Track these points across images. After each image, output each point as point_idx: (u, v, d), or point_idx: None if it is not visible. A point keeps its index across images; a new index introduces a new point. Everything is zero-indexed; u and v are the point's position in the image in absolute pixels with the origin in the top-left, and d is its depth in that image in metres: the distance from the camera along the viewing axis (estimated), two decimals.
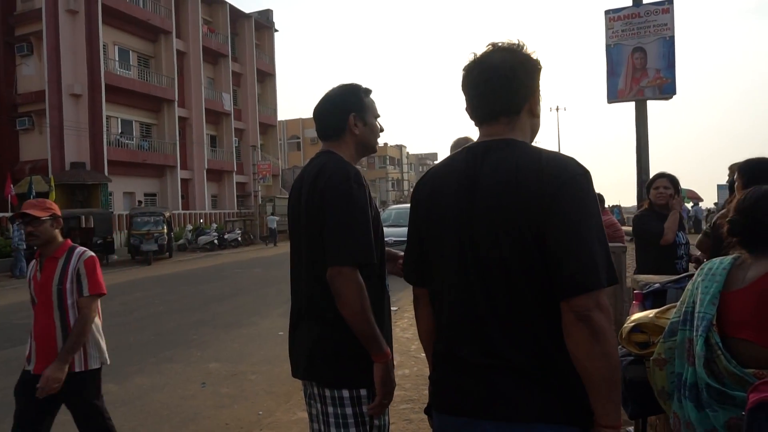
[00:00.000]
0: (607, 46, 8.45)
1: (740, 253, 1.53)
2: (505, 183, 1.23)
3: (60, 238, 2.69)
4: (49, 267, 2.63)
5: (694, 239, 3.91)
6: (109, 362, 2.76)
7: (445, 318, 1.35)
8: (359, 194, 1.64)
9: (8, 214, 19.24)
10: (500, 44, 1.36)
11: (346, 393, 1.65)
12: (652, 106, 8.48)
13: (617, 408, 1.18)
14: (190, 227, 25.55)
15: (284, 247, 15.77)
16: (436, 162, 3.67)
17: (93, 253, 2.74)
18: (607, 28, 8.41)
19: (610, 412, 1.16)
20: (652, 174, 4.72)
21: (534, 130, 1.40)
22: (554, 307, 1.19)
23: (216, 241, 24.09)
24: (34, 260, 2.76)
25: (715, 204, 22.70)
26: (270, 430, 3.91)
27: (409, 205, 1.74)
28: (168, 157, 28.78)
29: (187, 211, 28.90)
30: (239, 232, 26.35)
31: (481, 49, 1.38)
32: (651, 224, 3.81)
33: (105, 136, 24.76)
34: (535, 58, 1.35)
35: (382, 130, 1.91)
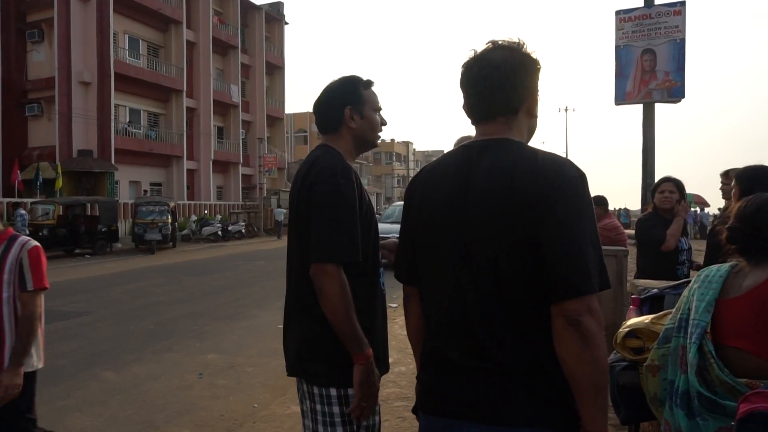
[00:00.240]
0: (617, 47, 8.39)
1: (738, 261, 1.50)
2: (500, 184, 1.21)
3: (1, 227, 2.43)
4: None
5: (698, 245, 3.87)
6: (42, 366, 2.47)
7: (435, 318, 1.33)
8: (347, 190, 1.60)
9: (15, 200, 19.36)
10: (500, 42, 1.33)
11: (333, 392, 1.63)
12: (665, 109, 8.44)
13: (604, 414, 1.16)
14: (194, 218, 25.63)
15: None
16: None
17: (38, 243, 2.46)
18: (618, 29, 8.35)
19: (597, 418, 1.15)
20: (657, 178, 4.68)
21: (531, 130, 1.39)
22: (545, 311, 1.17)
23: (220, 233, 24.15)
24: None
25: (720, 209, 22.53)
26: (264, 423, 3.92)
27: None
28: (175, 147, 28.90)
29: (192, 202, 29.03)
30: (243, 224, 26.39)
31: (482, 46, 1.35)
32: (654, 229, 3.76)
33: (113, 125, 24.89)
34: (535, 57, 1.33)
35: (384, 123, 1.85)
